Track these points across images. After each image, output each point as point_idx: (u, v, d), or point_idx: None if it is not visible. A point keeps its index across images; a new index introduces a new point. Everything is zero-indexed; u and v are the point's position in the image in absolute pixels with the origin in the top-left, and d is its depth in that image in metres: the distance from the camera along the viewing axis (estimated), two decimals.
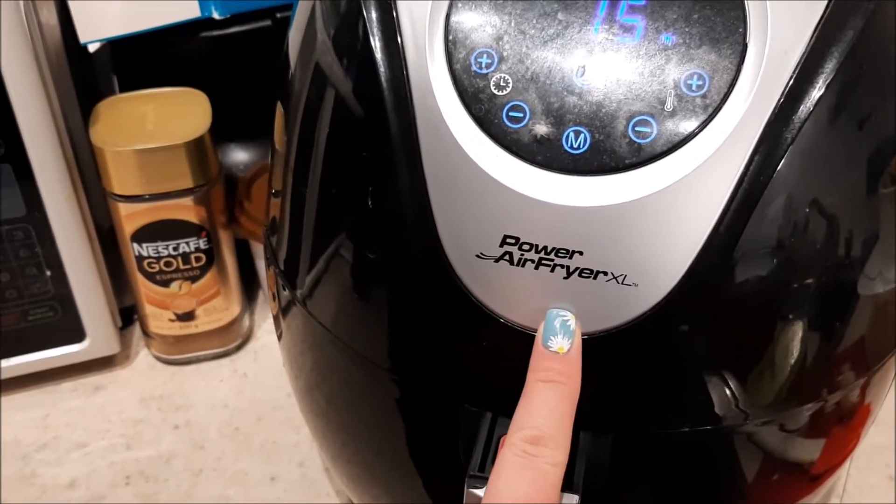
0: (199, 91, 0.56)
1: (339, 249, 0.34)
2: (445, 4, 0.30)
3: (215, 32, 0.61)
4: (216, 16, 0.55)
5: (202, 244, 0.55)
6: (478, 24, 0.30)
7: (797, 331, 0.31)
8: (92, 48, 0.55)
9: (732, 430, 0.33)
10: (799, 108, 0.28)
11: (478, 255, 0.30)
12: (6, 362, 0.56)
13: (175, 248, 0.55)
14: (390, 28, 0.31)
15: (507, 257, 0.30)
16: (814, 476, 0.39)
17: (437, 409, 0.35)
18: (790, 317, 0.31)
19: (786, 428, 0.34)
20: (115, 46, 0.58)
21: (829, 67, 0.28)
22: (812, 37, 0.28)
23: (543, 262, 0.29)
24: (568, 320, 0.29)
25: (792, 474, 0.38)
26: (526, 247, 0.29)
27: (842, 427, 0.37)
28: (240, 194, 0.60)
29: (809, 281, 0.31)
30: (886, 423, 0.55)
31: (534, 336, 0.30)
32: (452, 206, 0.30)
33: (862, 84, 0.29)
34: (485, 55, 0.30)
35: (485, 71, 0.30)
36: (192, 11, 0.55)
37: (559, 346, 0.29)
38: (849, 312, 0.33)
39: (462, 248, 0.30)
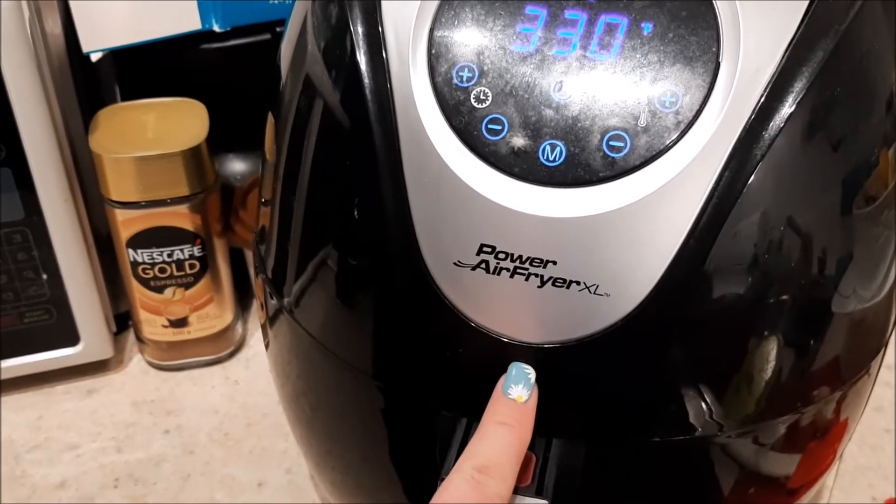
0: (198, 101, 0.57)
1: (324, 258, 0.35)
2: (429, 20, 0.31)
3: (215, 45, 0.62)
4: (217, 28, 0.57)
5: (196, 251, 0.56)
6: (460, 40, 0.31)
7: (768, 344, 0.32)
8: (94, 57, 0.56)
9: (706, 440, 0.33)
10: (769, 125, 0.29)
11: (455, 263, 0.31)
12: (1, 363, 0.57)
13: (170, 255, 0.56)
14: (376, 42, 0.31)
15: (483, 265, 0.30)
16: (790, 490, 0.39)
17: (415, 414, 0.35)
18: (761, 330, 0.32)
19: (760, 440, 0.35)
20: (118, 56, 0.59)
21: (800, 87, 0.29)
22: (783, 57, 0.29)
23: (518, 270, 0.30)
24: (529, 374, 0.31)
25: (767, 488, 0.38)
26: (502, 255, 0.30)
27: (817, 441, 0.37)
28: (236, 203, 0.61)
29: (780, 296, 0.31)
30: (871, 445, 0.55)
31: (507, 343, 0.31)
32: (432, 215, 0.31)
33: (834, 104, 0.30)
34: (466, 69, 0.30)
35: (465, 84, 0.30)
36: (193, 24, 0.56)
37: (518, 395, 0.31)
38: (822, 329, 0.33)
39: (440, 255, 0.31)
